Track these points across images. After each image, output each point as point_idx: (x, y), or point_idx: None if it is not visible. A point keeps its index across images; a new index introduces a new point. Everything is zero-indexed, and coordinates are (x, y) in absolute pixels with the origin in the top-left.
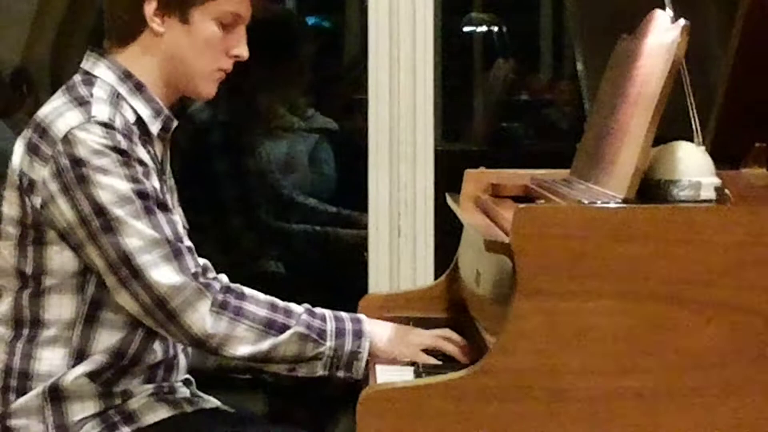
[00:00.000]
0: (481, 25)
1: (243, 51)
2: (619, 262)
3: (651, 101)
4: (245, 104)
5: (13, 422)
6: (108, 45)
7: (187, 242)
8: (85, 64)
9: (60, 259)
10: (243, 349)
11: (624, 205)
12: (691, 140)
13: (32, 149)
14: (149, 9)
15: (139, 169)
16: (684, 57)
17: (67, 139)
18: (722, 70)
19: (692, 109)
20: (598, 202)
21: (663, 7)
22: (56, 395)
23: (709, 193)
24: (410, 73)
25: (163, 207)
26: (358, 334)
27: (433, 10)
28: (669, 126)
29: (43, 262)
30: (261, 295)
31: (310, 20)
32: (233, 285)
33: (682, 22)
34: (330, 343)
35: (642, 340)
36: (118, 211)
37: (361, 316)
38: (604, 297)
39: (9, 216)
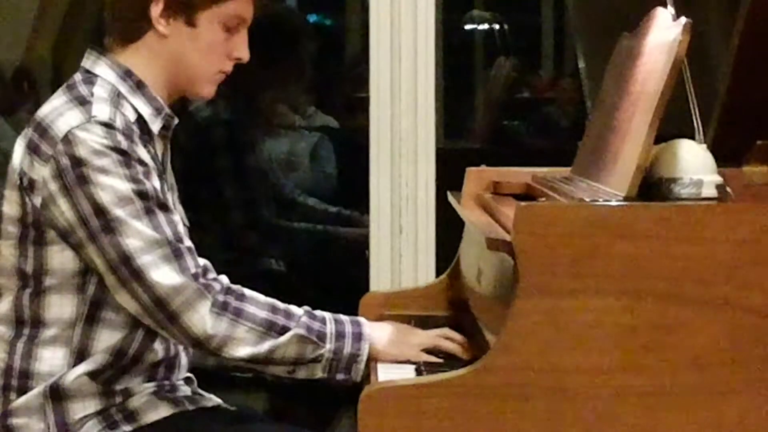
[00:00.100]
0: (482, 22)
1: (244, 54)
2: (620, 260)
3: (652, 99)
4: (246, 102)
5: (14, 421)
6: (109, 43)
7: (188, 242)
8: (86, 63)
9: (60, 258)
10: (243, 351)
11: (625, 203)
12: (693, 138)
13: (32, 149)
14: (156, 11)
15: (140, 169)
16: (685, 55)
17: (67, 139)
18: (724, 68)
19: (694, 107)
20: (600, 200)
21: (664, 5)
22: (57, 394)
23: (710, 191)
24: (411, 71)
25: (164, 207)
26: (358, 337)
27: (435, 7)
28: (670, 124)
29: (44, 261)
30: (261, 297)
31: (312, 18)
32: (234, 286)
33: (683, 20)
34: (330, 345)
35: (643, 339)
36: (118, 212)
37: (361, 319)
38: (605, 295)
39: (9, 215)
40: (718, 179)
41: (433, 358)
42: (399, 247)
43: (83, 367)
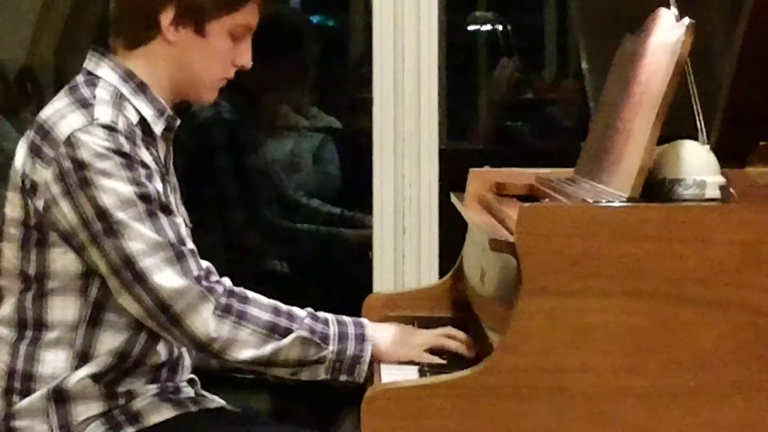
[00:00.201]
0: (485, 23)
1: (248, 61)
2: (623, 261)
3: (655, 100)
4: (249, 103)
5: (17, 423)
6: (114, 45)
7: (190, 245)
8: (88, 65)
9: (63, 261)
10: (246, 353)
11: (628, 204)
12: (696, 139)
13: (35, 151)
14: (165, 19)
15: (142, 171)
16: (688, 56)
17: (69, 142)
18: (727, 69)
19: (697, 108)
20: (603, 201)
21: (667, 6)
22: (60, 396)
23: (713, 192)
24: (415, 72)
25: (166, 210)
26: (361, 338)
27: (438, 8)
28: (673, 125)
29: (46, 264)
30: (264, 299)
31: (315, 19)
32: (236, 288)
33: (686, 20)
34: (332, 347)
35: (646, 339)
36: (120, 215)
37: (364, 320)
38: (608, 296)
39: (11, 217)
40: (722, 180)
41: (436, 359)
42: (402, 248)
43: (86, 370)
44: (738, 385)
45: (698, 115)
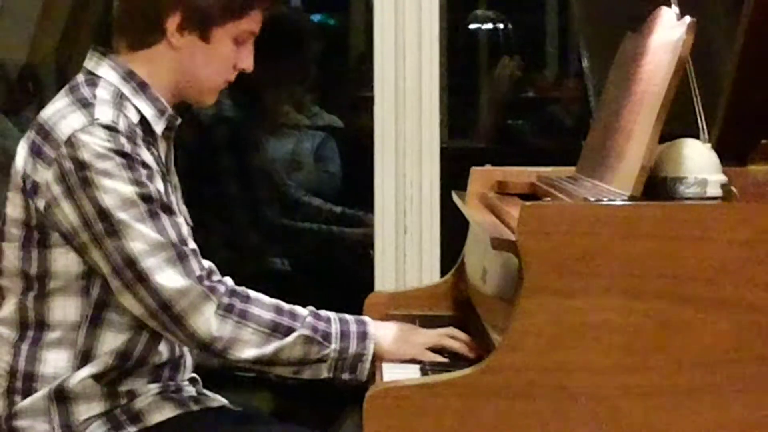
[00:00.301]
0: (486, 22)
1: (249, 65)
2: (625, 259)
3: (657, 98)
4: (250, 101)
5: (19, 423)
6: (117, 45)
7: (192, 245)
8: (88, 64)
9: (64, 261)
10: (248, 353)
11: (630, 203)
12: (697, 137)
13: (36, 151)
14: (171, 24)
15: (143, 171)
16: (690, 54)
17: (70, 142)
18: (728, 67)
19: (698, 106)
20: (605, 199)
21: (668, 5)
22: (62, 396)
23: (715, 191)
24: (416, 71)
25: (168, 210)
26: (363, 337)
27: (439, 7)
28: (675, 123)
29: (48, 264)
30: (266, 298)
31: (316, 17)
32: (238, 288)
33: (687, 19)
34: (335, 345)
35: (648, 338)
36: (122, 215)
37: (366, 318)
38: (610, 294)
39: (13, 218)
40: (723, 178)
41: (438, 357)
42: (403, 246)
43: (88, 370)
44: (740, 384)
45: (699, 114)
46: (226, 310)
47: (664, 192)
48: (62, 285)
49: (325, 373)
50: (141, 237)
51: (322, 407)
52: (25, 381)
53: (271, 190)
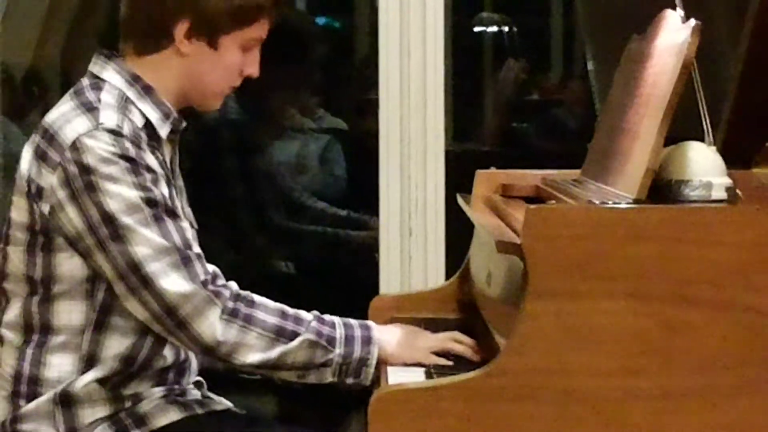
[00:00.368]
0: (491, 25)
1: (255, 71)
2: (630, 262)
3: (662, 101)
4: (256, 105)
5: (24, 427)
6: (123, 50)
7: (197, 249)
8: (93, 68)
9: (69, 265)
10: (253, 357)
11: (635, 206)
12: (702, 140)
13: (40, 155)
14: (180, 30)
15: (148, 176)
16: (695, 57)
17: (75, 147)
18: (733, 70)
19: (703, 109)
20: (609, 202)
21: (674, 7)
22: (66, 400)
23: (720, 194)
24: (420, 74)
25: (172, 214)
26: (367, 341)
27: (444, 10)
28: (680, 126)
29: (52, 268)
30: (270, 303)
31: (320, 20)
32: (243, 292)
33: (692, 22)
34: (339, 350)
35: (653, 341)
36: (126, 220)
37: (370, 322)
38: (615, 297)
39: (17, 221)
40: (728, 181)
41: (443, 361)
42: (408, 249)
43: (92, 374)
44: (745, 387)
45: (704, 117)
46: (231, 314)
47: (669, 195)
48: (67, 289)
49: (329, 377)
50: (146, 241)
51: (326, 410)
52: (29, 385)
53: (276, 193)
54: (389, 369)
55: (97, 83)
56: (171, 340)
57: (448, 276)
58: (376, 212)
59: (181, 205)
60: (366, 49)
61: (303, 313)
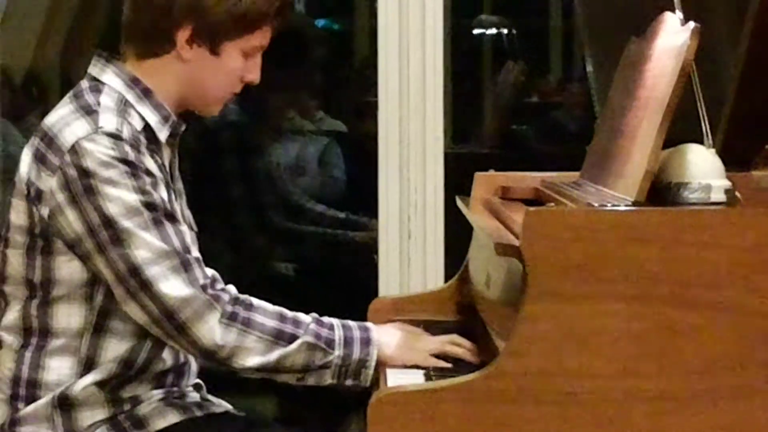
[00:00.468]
0: (490, 27)
1: (256, 78)
2: (629, 264)
3: (661, 104)
4: (255, 107)
5: (22, 429)
6: (124, 53)
7: (196, 253)
8: (93, 70)
9: (68, 268)
10: (252, 360)
11: (634, 208)
12: (701, 142)
13: (39, 158)
14: (182, 36)
15: (147, 180)
16: (694, 59)
17: (74, 150)
18: (732, 73)
19: (702, 112)
20: (609, 204)
21: (673, 10)
22: (65, 403)
23: (719, 196)
24: (420, 76)
25: (171, 218)
26: (366, 342)
27: (443, 12)
28: (679, 128)
29: (51, 271)
30: (269, 306)
31: (320, 23)
32: (242, 296)
33: (691, 24)
34: (338, 351)
35: (652, 343)
36: (126, 223)
37: (369, 324)
38: (614, 300)
39: (16, 224)
40: (727, 184)
41: (442, 363)
42: (408, 252)
43: (91, 377)
44: (744, 389)
45: (704, 119)
46: (230, 318)
47: (668, 197)
48: (66, 292)
49: (329, 379)
50: (145, 245)
51: (326, 413)
52: (28, 388)
53: (275, 195)
54: (388, 371)
55: (97, 86)
56: (170, 343)
57: (447, 278)
58: (375, 214)
59: (181, 208)
60: (365, 51)
61: (302, 316)
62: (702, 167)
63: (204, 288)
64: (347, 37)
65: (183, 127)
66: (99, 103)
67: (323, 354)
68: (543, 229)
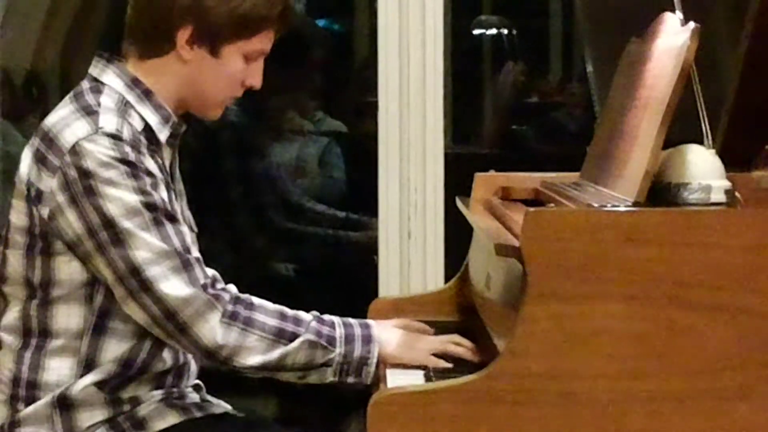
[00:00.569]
0: (490, 27)
1: (258, 82)
2: (629, 265)
3: (661, 104)
4: (256, 107)
5: (22, 430)
6: (125, 53)
7: (196, 253)
8: (93, 70)
9: (68, 269)
10: (253, 359)
11: (634, 209)
12: (701, 143)
13: (40, 159)
14: (182, 36)
15: (147, 180)
16: (694, 60)
17: (74, 151)
18: (732, 73)
19: (702, 112)
20: (608, 205)
21: (673, 10)
22: (65, 404)
23: (719, 196)
24: (420, 76)
25: (172, 218)
26: (368, 340)
27: (443, 12)
28: (679, 129)
29: (51, 272)
30: (270, 305)
31: (320, 23)
32: (242, 295)
33: (691, 25)
34: (339, 349)
35: (652, 344)
36: (126, 224)
37: (370, 321)
38: (614, 300)
39: (17, 225)
40: (727, 184)
41: (442, 362)
42: (408, 252)
43: (91, 378)
44: (744, 390)
45: (703, 119)
46: (231, 317)
47: (668, 198)
48: (65, 293)
49: (330, 377)
50: (146, 245)
51: (326, 413)
52: (28, 389)
53: (275, 195)
54: (388, 372)
55: (97, 86)
56: (171, 343)
57: (447, 279)
58: (375, 215)
59: (181, 208)
60: (365, 51)
61: (302, 314)
62: (702, 167)
63: (205, 288)
64: (347, 38)
65: (183, 128)
66: (99, 104)
67: (324, 352)
68: (543, 229)
